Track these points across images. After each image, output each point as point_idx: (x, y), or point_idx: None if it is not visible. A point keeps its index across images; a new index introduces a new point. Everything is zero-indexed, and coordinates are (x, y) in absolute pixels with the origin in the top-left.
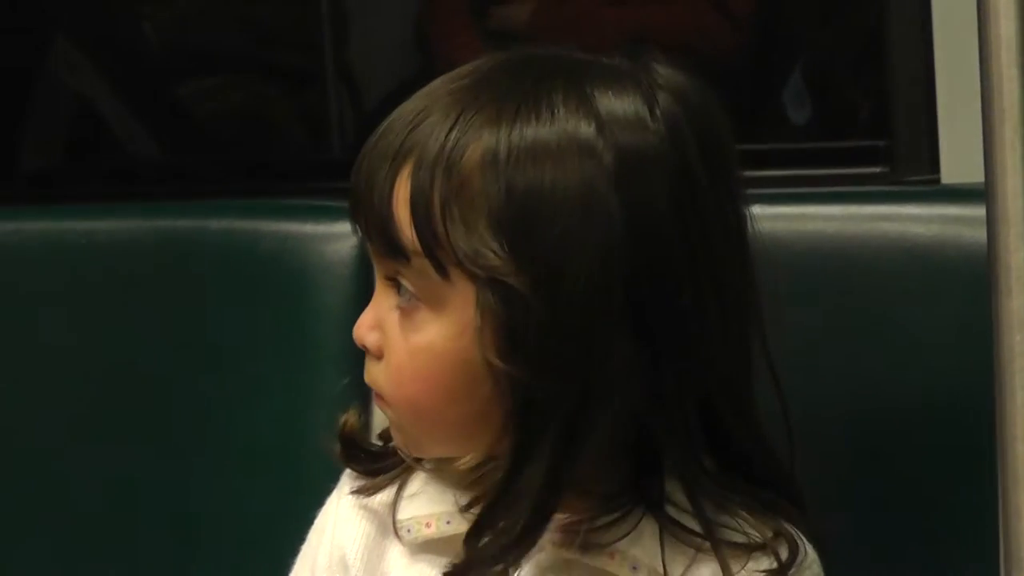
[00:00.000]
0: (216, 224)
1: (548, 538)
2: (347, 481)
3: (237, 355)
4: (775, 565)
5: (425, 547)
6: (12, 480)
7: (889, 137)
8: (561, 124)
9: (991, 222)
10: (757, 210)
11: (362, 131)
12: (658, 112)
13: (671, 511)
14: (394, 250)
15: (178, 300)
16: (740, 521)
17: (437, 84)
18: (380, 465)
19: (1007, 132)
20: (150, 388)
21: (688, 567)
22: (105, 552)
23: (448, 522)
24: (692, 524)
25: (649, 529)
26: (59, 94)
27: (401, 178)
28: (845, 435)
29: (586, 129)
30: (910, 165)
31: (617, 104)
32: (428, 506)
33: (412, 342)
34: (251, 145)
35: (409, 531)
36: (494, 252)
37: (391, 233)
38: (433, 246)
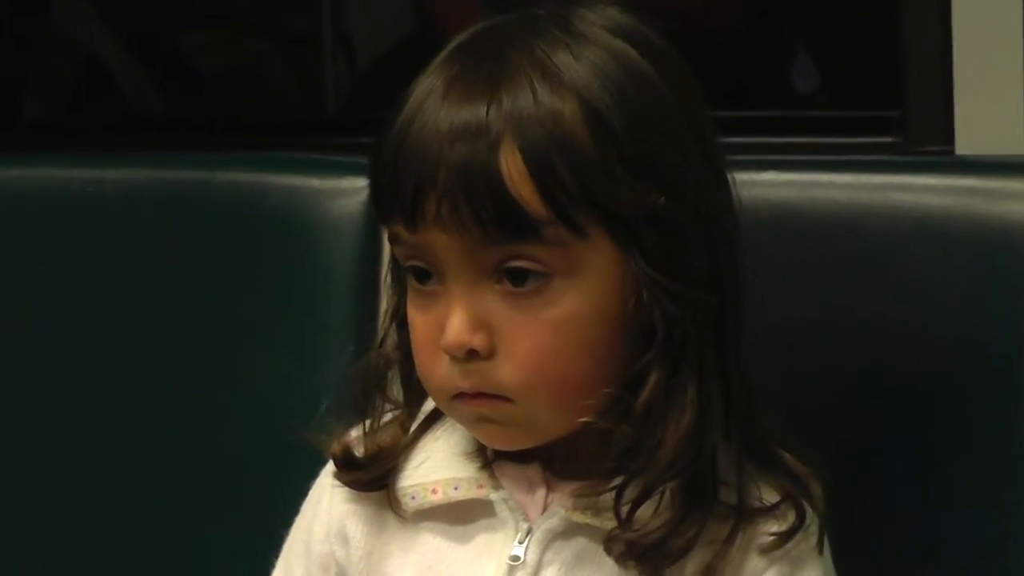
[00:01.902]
0: (222, 176)
1: (559, 502)
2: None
3: (242, 310)
4: (784, 528)
5: (427, 515)
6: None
7: (903, 107)
8: (611, 52)
9: None
10: (769, 176)
11: (356, 91)
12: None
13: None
14: (520, 229)
15: (183, 252)
16: (755, 484)
17: (454, 57)
18: (378, 475)
19: None
20: (152, 343)
21: (700, 529)
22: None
23: (456, 488)
24: (707, 486)
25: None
26: (63, 43)
27: (504, 156)
28: (855, 405)
29: (627, 48)
30: (924, 135)
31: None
32: (434, 472)
33: (551, 318)
34: (247, 100)
35: (414, 498)
36: (635, 189)
37: (515, 212)
38: (570, 209)
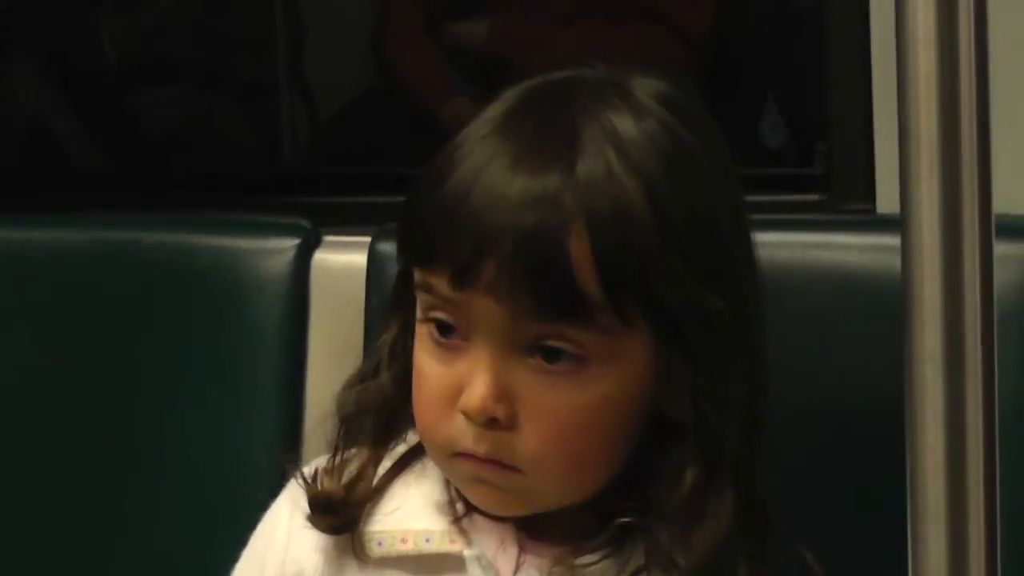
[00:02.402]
0: (150, 237)
1: (534, 564)
2: (299, 494)
3: (171, 369)
4: None
5: (392, 563)
6: None
7: (825, 165)
8: (668, 130)
9: (906, 254)
10: None
11: (315, 143)
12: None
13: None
14: (573, 312)
15: (112, 313)
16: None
17: (520, 115)
18: (349, 520)
19: (923, 164)
20: (81, 402)
21: None
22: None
23: (427, 540)
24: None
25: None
26: (8, 107)
27: (573, 237)
28: (779, 463)
29: (679, 126)
30: (846, 193)
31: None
32: (406, 521)
33: (579, 401)
34: (204, 157)
35: (380, 544)
36: (696, 292)
37: (573, 294)
38: (627, 301)
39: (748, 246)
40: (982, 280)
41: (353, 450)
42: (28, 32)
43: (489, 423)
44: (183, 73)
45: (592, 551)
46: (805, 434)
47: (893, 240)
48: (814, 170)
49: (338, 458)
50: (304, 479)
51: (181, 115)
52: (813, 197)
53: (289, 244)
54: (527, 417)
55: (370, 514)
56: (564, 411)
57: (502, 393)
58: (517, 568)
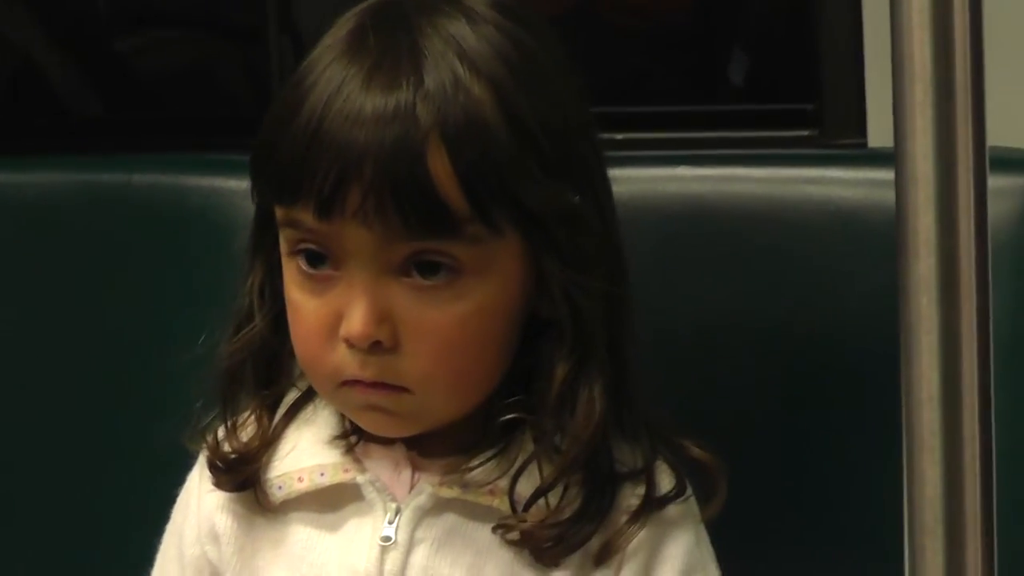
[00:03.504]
0: (141, 178)
1: (426, 480)
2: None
3: (163, 309)
4: (659, 493)
5: (295, 505)
6: None
7: (817, 100)
8: (508, 36)
9: (900, 185)
10: (683, 171)
11: None
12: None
13: (563, 445)
14: (443, 227)
15: (103, 253)
16: (622, 449)
17: (362, 39)
18: (248, 474)
19: (917, 94)
20: (74, 343)
21: (599, 523)
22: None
23: (322, 474)
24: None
25: (533, 466)
26: None
27: (431, 153)
28: (771, 395)
29: (521, 31)
30: (838, 128)
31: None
32: (300, 461)
33: (458, 312)
34: (193, 101)
35: (280, 488)
36: (553, 187)
37: (441, 210)
38: (492, 208)
39: (594, 140)
40: (976, 211)
41: (242, 403)
42: None
43: (372, 347)
44: (175, 18)
45: (480, 454)
46: (800, 367)
47: (885, 174)
48: (806, 106)
49: (229, 414)
50: (206, 442)
51: (171, 59)
52: (805, 132)
53: None
54: (409, 336)
55: (268, 463)
56: (445, 324)
57: (382, 315)
58: (412, 487)
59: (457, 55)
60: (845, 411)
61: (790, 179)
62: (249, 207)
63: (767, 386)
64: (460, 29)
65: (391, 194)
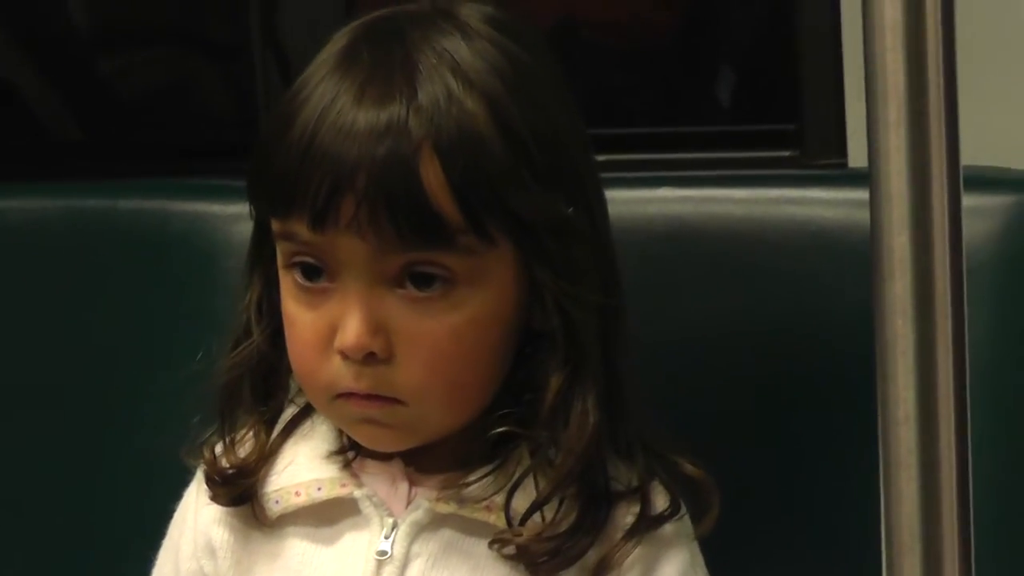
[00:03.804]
0: (125, 204)
1: (423, 495)
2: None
3: (147, 336)
4: (654, 512)
5: (292, 519)
6: None
7: (798, 121)
8: (501, 50)
9: (874, 204)
10: (664, 192)
11: None
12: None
13: (557, 459)
14: (436, 237)
15: (88, 279)
16: (617, 467)
17: (357, 54)
18: (244, 489)
19: (890, 114)
20: (57, 370)
21: (595, 537)
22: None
23: (319, 488)
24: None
25: (529, 480)
26: None
27: (424, 163)
28: (751, 420)
29: (512, 46)
30: (818, 149)
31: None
32: (297, 476)
33: (452, 323)
34: (176, 121)
35: (277, 502)
36: (545, 198)
37: (434, 220)
38: (484, 219)
39: (587, 153)
40: (951, 231)
41: (240, 418)
42: None
43: (367, 359)
44: (156, 38)
45: (477, 469)
46: (778, 387)
47: (865, 194)
48: (787, 126)
49: (227, 429)
50: (204, 457)
51: (154, 80)
52: (786, 153)
53: None
54: (404, 347)
55: (265, 478)
56: (440, 336)
57: (376, 327)
58: (409, 502)
59: (451, 69)
60: (825, 429)
61: (771, 199)
62: (232, 231)
63: (749, 405)
64: (454, 44)
65: (384, 204)
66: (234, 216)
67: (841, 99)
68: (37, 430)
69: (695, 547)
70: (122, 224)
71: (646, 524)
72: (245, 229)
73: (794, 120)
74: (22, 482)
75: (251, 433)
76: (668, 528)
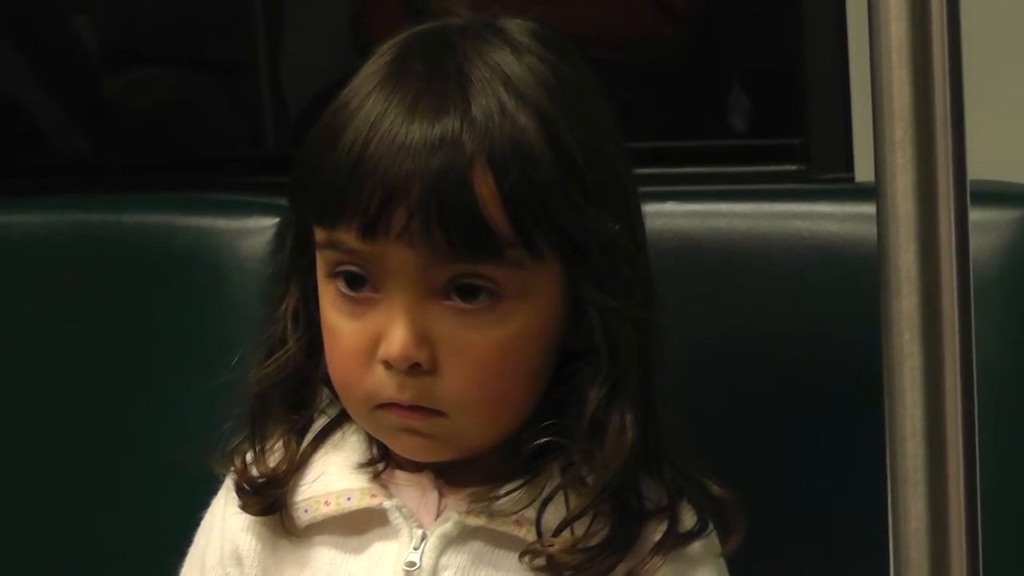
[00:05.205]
0: (130, 219)
1: (453, 507)
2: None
3: (150, 350)
4: (682, 530)
5: (321, 528)
6: None
7: (804, 136)
8: (549, 66)
9: (881, 222)
10: (670, 207)
11: (297, 125)
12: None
13: (591, 476)
14: (486, 249)
15: (92, 294)
16: (648, 485)
17: (408, 64)
18: (274, 499)
19: (897, 132)
20: (60, 384)
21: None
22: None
23: (349, 498)
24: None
25: (559, 496)
26: None
27: (477, 175)
28: (756, 435)
29: (559, 63)
30: (825, 163)
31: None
32: (327, 486)
33: (498, 337)
34: (183, 139)
35: (307, 511)
36: (594, 215)
37: (485, 232)
38: (534, 233)
39: (630, 169)
40: (958, 246)
41: (271, 427)
42: (2, 13)
43: (411, 369)
44: (162, 55)
45: (508, 482)
46: (784, 401)
47: (872, 209)
48: (793, 141)
49: (258, 438)
50: (234, 466)
51: (161, 96)
52: (792, 167)
53: (269, 224)
54: (448, 359)
55: (295, 487)
56: (484, 349)
57: (422, 337)
58: (438, 513)
59: (503, 83)
60: (831, 445)
61: (778, 214)
62: (237, 246)
63: (754, 420)
64: (505, 57)
65: (437, 215)
66: (239, 231)
67: (848, 113)
68: (41, 442)
69: (722, 564)
70: (127, 238)
71: (674, 541)
72: (250, 244)
73: (800, 134)
74: (22, 490)
75: (281, 442)
76: (696, 546)
